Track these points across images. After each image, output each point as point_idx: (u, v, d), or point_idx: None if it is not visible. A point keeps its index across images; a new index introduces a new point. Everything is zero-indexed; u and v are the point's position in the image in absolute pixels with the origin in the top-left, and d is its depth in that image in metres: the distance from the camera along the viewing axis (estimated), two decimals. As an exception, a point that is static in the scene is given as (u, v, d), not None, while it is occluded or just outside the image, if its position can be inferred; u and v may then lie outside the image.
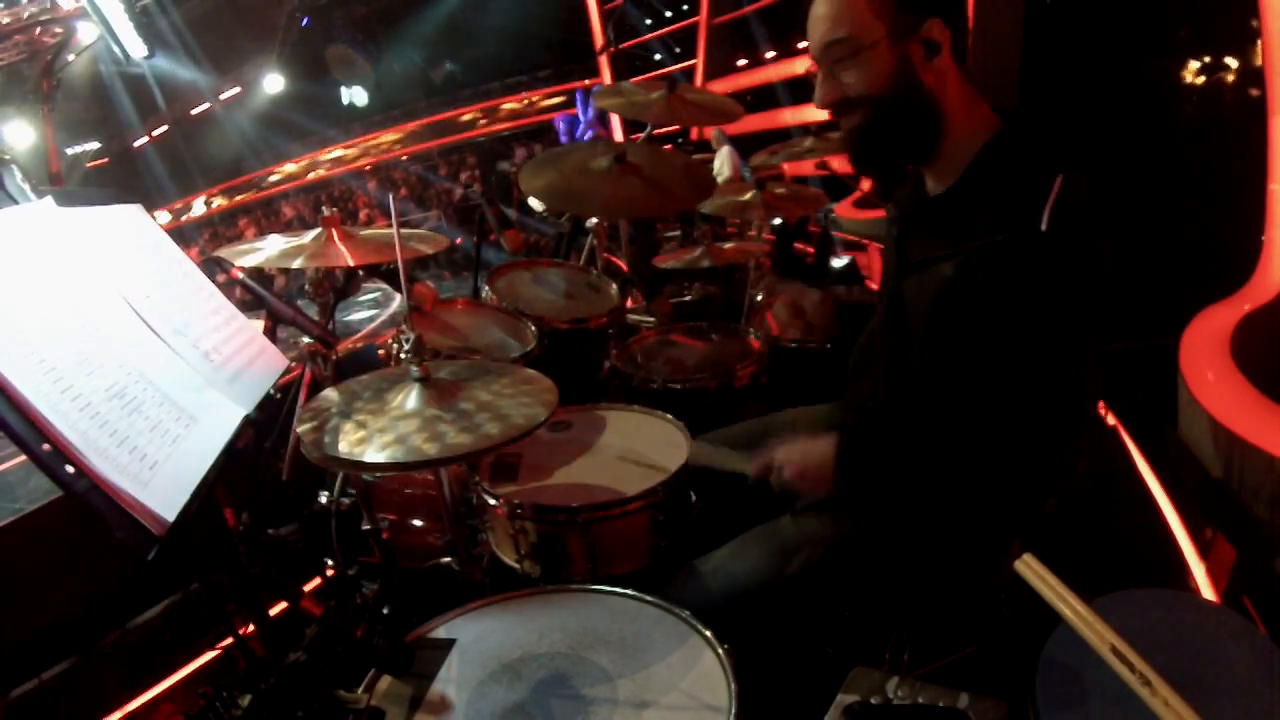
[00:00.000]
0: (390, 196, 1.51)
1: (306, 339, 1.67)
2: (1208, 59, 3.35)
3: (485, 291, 2.36)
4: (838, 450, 1.27)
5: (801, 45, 1.44)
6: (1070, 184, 1.14)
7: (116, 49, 3.79)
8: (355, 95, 8.21)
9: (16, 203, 1.09)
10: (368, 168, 13.88)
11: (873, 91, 1.21)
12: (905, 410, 1.35)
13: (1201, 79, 3.41)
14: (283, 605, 1.52)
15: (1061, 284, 1.12)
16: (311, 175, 14.10)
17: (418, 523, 1.94)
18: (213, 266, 1.61)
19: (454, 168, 13.36)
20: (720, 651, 1.10)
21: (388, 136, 13.19)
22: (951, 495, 1.23)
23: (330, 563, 1.95)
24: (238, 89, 11.61)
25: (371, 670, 1.11)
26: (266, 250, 1.75)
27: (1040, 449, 1.14)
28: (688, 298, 3.37)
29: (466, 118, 12.57)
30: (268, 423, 1.59)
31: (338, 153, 13.79)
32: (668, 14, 8.58)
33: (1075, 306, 1.12)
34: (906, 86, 1.20)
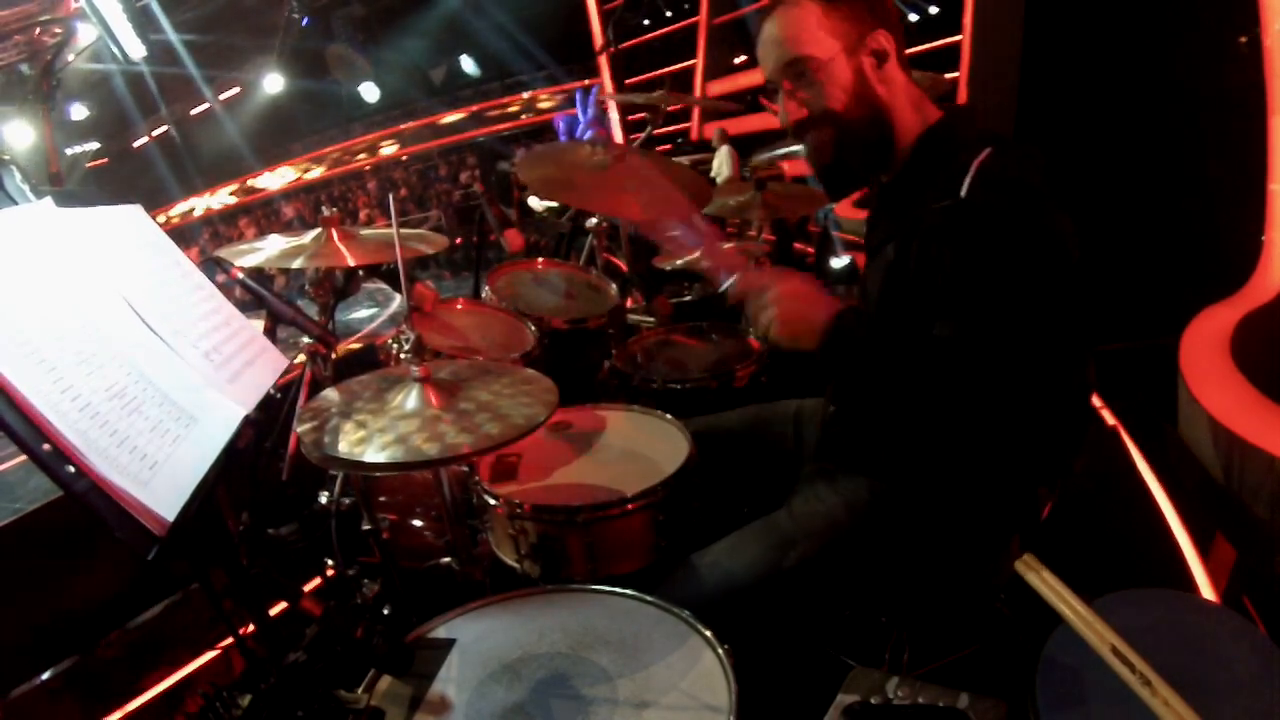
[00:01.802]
0: (390, 196, 1.51)
1: (306, 339, 1.66)
2: (1208, 59, 3.35)
3: (485, 291, 2.36)
4: (832, 319, 1.21)
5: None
6: (999, 156, 1.17)
7: (115, 49, 3.79)
8: (366, 91, 8.23)
9: (16, 203, 1.09)
10: (368, 168, 13.89)
11: (835, 106, 1.26)
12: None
13: (1202, 79, 3.41)
14: (283, 605, 1.52)
15: (988, 246, 1.12)
16: (310, 175, 14.10)
17: (418, 523, 1.94)
18: (213, 266, 1.61)
19: (454, 168, 13.36)
20: (720, 651, 1.10)
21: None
22: (941, 449, 1.22)
23: (330, 563, 1.94)
24: (237, 89, 11.61)
25: (371, 670, 1.11)
26: (266, 250, 1.75)
27: (1010, 415, 1.13)
28: (688, 298, 3.37)
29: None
30: (268, 423, 1.59)
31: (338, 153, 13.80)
32: (668, 14, 8.57)
33: (1010, 266, 1.11)
34: (864, 97, 1.26)
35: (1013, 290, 1.11)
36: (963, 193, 1.15)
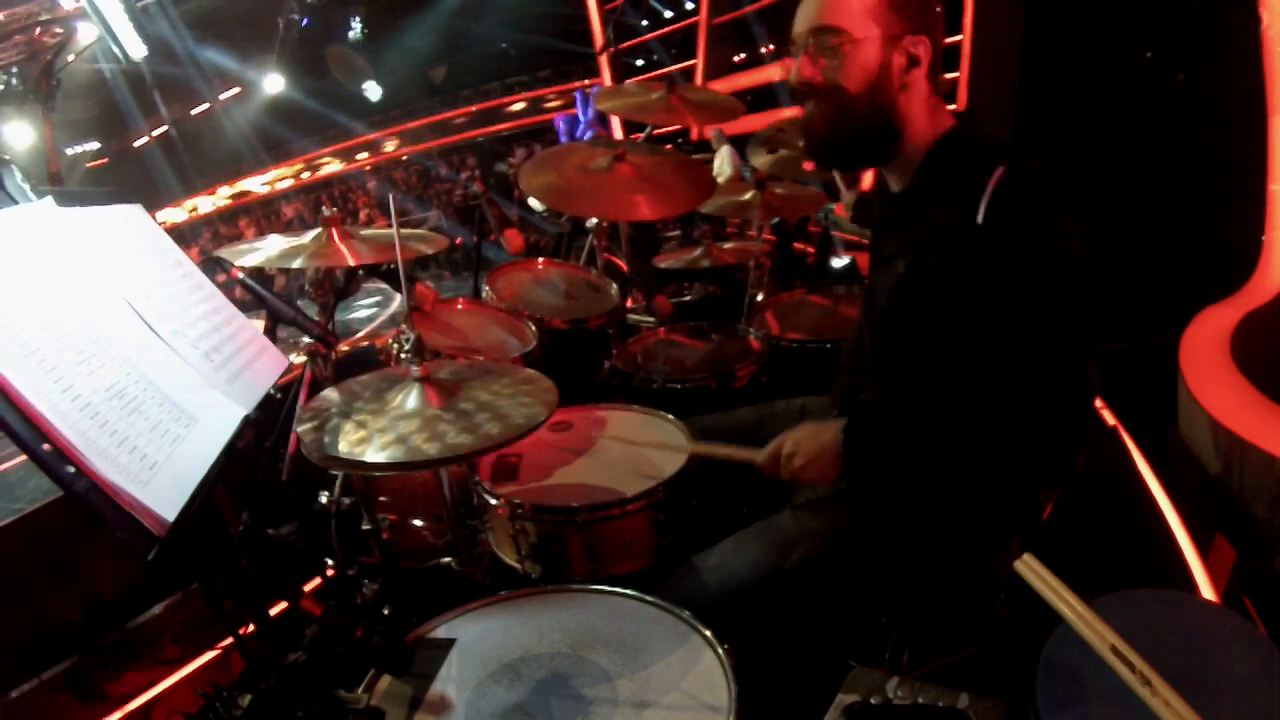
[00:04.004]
0: (390, 196, 1.51)
1: (306, 339, 1.66)
2: (1208, 59, 3.35)
3: (485, 291, 2.36)
4: (844, 435, 1.26)
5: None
6: (1013, 175, 1.17)
7: (116, 49, 3.79)
8: (366, 90, 8.22)
9: (16, 203, 1.09)
10: (368, 167, 13.89)
11: (848, 85, 1.26)
12: (893, 399, 1.35)
13: (1202, 79, 3.41)
14: (283, 605, 1.52)
15: (1006, 272, 1.13)
16: (311, 175, 14.10)
17: (418, 523, 1.94)
18: (213, 266, 1.61)
19: (454, 169, 13.35)
20: (720, 651, 1.10)
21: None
22: (953, 477, 1.23)
23: (330, 563, 1.95)
24: (238, 89, 11.59)
25: (371, 670, 1.11)
26: (266, 250, 1.75)
27: (1020, 430, 1.13)
28: (688, 298, 3.37)
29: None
30: (268, 423, 1.58)
31: (339, 154, 13.80)
32: (668, 14, 8.58)
33: (1027, 291, 1.13)
34: (880, 91, 1.25)
35: (1033, 310, 1.12)
36: (979, 217, 1.14)
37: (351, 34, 7.28)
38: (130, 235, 1.28)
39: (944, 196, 1.23)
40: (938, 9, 1.27)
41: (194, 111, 12.40)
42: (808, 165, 2.78)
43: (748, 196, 2.75)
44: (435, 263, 8.89)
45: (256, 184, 14.25)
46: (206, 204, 14.16)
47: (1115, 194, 3.30)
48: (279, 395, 1.44)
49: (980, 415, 1.15)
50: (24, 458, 0.81)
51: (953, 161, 1.27)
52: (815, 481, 1.30)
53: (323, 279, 1.85)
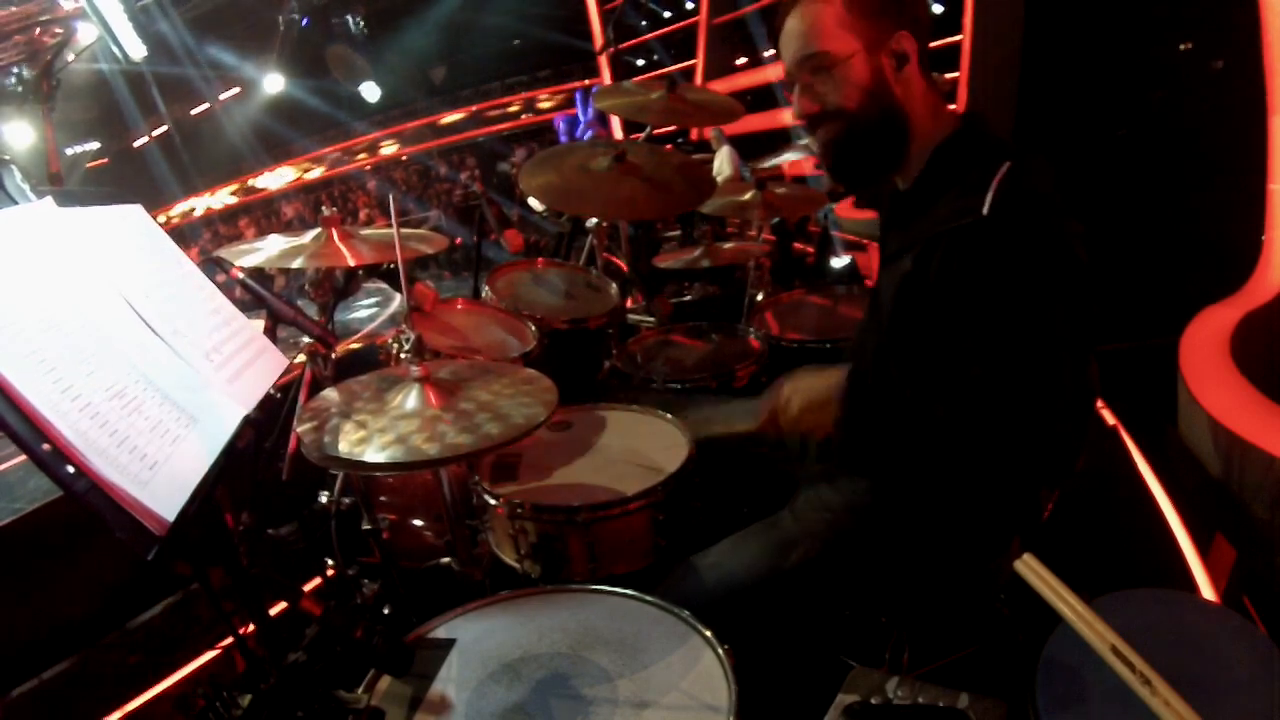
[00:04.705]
0: (390, 196, 1.51)
1: (306, 339, 1.67)
2: (1208, 59, 3.35)
3: (485, 291, 2.36)
4: (846, 384, 1.23)
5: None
6: (1018, 171, 1.18)
7: (115, 49, 3.79)
8: (366, 90, 8.23)
9: (16, 203, 1.09)
10: (368, 167, 13.91)
11: (849, 104, 1.27)
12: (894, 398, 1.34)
13: (1202, 79, 3.41)
14: (283, 605, 1.52)
15: (1010, 265, 1.13)
16: (311, 175, 14.11)
17: (418, 523, 1.94)
18: (213, 266, 1.61)
19: (454, 169, 13.36)
20: (720, 651, 1.10)
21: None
22: (950, 464, 1.22)
23: (330, 563, 1.95)
24: (238, 89, 11.60)
25: (371, 670, 1.11)
26: (266, 250, 1.75)
27: (1019, 432, 1.13)
28: (688, 298, 3.37)
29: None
30: (268, 423, 1.59)
31: (338, 153, 13.81)
32: (666, 14, 8.59)
33: (1031, 285, 1.13)
34: (880, 97, 1.26)
35: (1036, 306, 1.12)
36: (985, 210, 1.15)
37: (351, 33, 7.28)
38: (130, 235, 1.28)
39: (949, 192, 1.23)
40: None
41: (194, 111, 12.41)
42: None
43: (748, 196, 2.75)
44: (435, 263, 8.89)
45: (257, 183, 14.25)
46: (207, 204, 14.17)
47: (1116, 194, 3.30)
48: (279, 395, 1.44)
49: (982, 414, 1.14)
50: (24, 458, 0.81)
51: (959, 159, 1.27)
52: (812, 427, 1.25)
53: (323, 279, 1.85)
